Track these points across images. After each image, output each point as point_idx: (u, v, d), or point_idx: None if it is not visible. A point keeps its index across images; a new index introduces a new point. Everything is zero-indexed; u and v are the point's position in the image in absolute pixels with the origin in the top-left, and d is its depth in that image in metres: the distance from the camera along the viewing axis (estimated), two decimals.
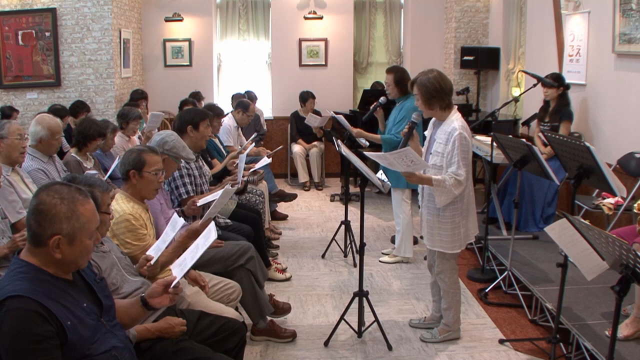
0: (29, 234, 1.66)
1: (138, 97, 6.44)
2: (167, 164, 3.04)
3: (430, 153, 3.12)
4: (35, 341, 1.52)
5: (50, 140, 3.60)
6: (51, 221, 1.62)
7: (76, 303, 1.67)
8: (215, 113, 4.78)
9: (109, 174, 3.92)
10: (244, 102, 5.93)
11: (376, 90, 6.95)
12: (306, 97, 7.20)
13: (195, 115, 3.71)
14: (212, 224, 2.33)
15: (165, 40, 7.67)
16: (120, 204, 2.62)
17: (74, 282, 1.73)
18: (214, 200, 2.83)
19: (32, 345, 1.51)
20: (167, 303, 1.96)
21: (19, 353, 1.51)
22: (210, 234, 2.19)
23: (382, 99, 4.50)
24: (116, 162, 3.98)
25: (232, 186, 3.40)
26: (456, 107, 3.14)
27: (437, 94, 3.03)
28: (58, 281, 1.66)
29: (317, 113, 7.03)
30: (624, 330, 2.90)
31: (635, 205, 2.97)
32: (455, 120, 3.03)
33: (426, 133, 3.28)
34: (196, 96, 6.75)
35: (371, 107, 4.54)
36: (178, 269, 2.06)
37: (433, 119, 3.20)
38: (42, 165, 3.54)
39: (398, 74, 4.37)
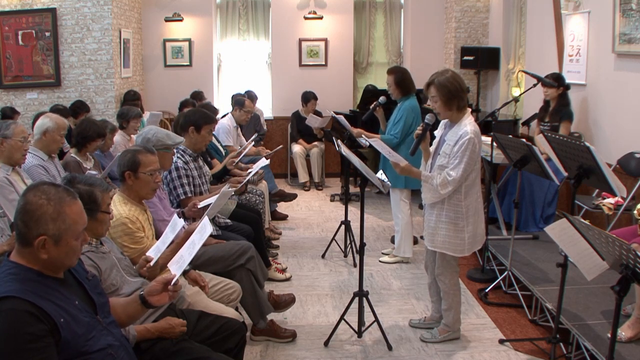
0: (16, 233, 1.65)
1: (131, 98, 6.44)
2: (162, 157, 3.03)
3: (439, 154, 3.09)
4: (30, 341, 1.52)
5: (54, 134, 3.60)
6: (37, 222, 1.61)
7: (68, 301, 1.67)
8: (211, 111, 4.78)
9: (105, 172, 3.93)
10: (238, 100, 5.91)
11: (376, 90, 6.95)
12: (308, 98, 7.20)
13: (199, 117, 3.68)
14: (206, 218, 2.32)
15: (165, 40, 7.66)
16: (117, 207, 2.60)
17: (64, 280, 1.73)
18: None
19: (27, 345, 1.51)
20: (166, 301, 1.95)
21: (14, 353, 1.51)
22: (205, 229, 2.19)
23: (381, 99, 4.50)
24: (113, 161, 3.98)
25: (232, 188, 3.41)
26: (469, 109, 3.10)
27: (457, 94, 2.99)
28: (48, 280, 1.66)
29: (318, 114, 7.04)
30: (626, 332, 2.89)
31: (635, 211, 2.96)
32: (468, 125, 2.98)
33: (436, 133, 3.24)
34: (197, 96, 6.76)
35: (371, 107, 4.53)
36: (176, 266, 2.05)
37: (445, 120, 3.16)
38: (42, 162, 3.55)
39: (399, 74, 4.36)
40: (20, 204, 1.64)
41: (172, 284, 1.93)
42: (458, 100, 3.00)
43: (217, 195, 2.90)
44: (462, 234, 3.08)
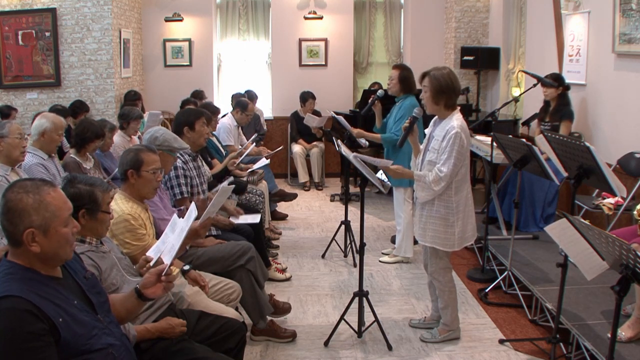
0: (5, 235, 1.64)
1: (132, 98, 6.44)
2: (164, 159, 3.04)
3: (428, 150, 3.13)
4: (29, 339, 1.52)
5: (53, 134, 3.61)
6: (20, 216, 1.60)
7: (67, 300, 1.66)
8: (211, 111, 4.78)
9: (111, 176, 3.93)
10: (242, 102, 5.93)
11: (375, 90, 6.94)
12: (306, 98, 7.20)
13: (189, 115, 3.70)
14: (192, 204, 2.32)
15: (165, 40, 7.67)
16: (119, 204, 2.62)
17: (63, 280, 1.72)
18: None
19: (27, 344, 1.51)
20: (160, 292, 1.93)
21: (14, 353, 1.51)
22: (191, 215, 2.18)
23: (380, 92, 4.49)
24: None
25: (229, 184, 3.41)
26: (459, 108, 3.14)
27: (447, 91, 3.03)
28: (47, 279, 1.65)
29: (317, 113, 7.04)
30: (626, 332, 2.89)
31: (635, 211, 2.96)
32: (455, 120, 3.03)
33: (426, 131, 3.28)
34: (198, 95, 6.77)
35: (369, 101, 4.52)
36: (167, 256, 2.05)
37: (435, 117, 3.20)
38: (42, 161, 3.55)
39: (405, 71, 4.37)
40: (2, 205, 1.62)
41: (164, 273, 1.92)
42: (446, 97, 3.04)
43: (220, 201, 2.91)
44: (453, 229, 3.11)
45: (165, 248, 2.14)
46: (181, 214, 3.27)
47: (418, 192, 3.13)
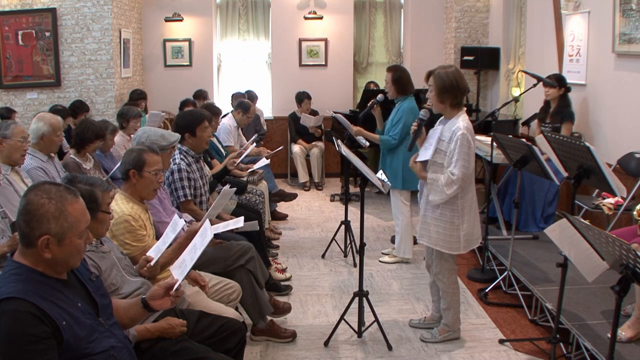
0: (19, 234, 1.65)
1: (137, 97, 6.45)
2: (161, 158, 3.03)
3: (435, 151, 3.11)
4: (32, 342, 1.51)
5: (52, 136, 3.61)
6: (39, 221, 1.60)
7: (71, 303, 1.67)
8: (213, 112, 4.77)
9: (110, 174, 3.92)
10: (244, 103, 5.92)
11: (375, 90, 6.95)
12: (301, 98, 7.21)
13: (189, 121, 3.61)
14: (207, 222, 2.32)
15: (165, 40, 7.67)
16: (120, 205, 2.62)
17: (68, 282, 1.72)
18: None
19: (29, 347, 1.51)
20: (168, 306, 1.95)
21: (16, 355, 1.51)
22: (206, 233, 2.19)
23: (379, 97, 4.49)
24: (119, 164, 3.98)
25: (230, 187, 3.40)
26: (465, 108, 3.12)
27: (451, 90, 3.02)
28: (52, 281, 1.66)
29: (314, 113, 7.05)
30: (626, 332, 2.89)
31: (635, 211, 2.96)
32: (461, 121, 3.01)
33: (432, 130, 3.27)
34: (201, 95, 6.77)
35: (368, 105, 4.53)
36: (178, 270, 2.05)
37: (441, 117, 3.19)
38: (41, 164, 3.55)
39: (397, 72, 4.36)
40: (22, 205, 1.63)
41: (174, 289, 1.93)
42: (451, 96, 3.03)
43: (229, 223, 2.91)
44: (458, 232, 3.09)
45: (176, 262, 2.14)
46: (181, 215, 3.29)
47: (431, 195, 3.08)
